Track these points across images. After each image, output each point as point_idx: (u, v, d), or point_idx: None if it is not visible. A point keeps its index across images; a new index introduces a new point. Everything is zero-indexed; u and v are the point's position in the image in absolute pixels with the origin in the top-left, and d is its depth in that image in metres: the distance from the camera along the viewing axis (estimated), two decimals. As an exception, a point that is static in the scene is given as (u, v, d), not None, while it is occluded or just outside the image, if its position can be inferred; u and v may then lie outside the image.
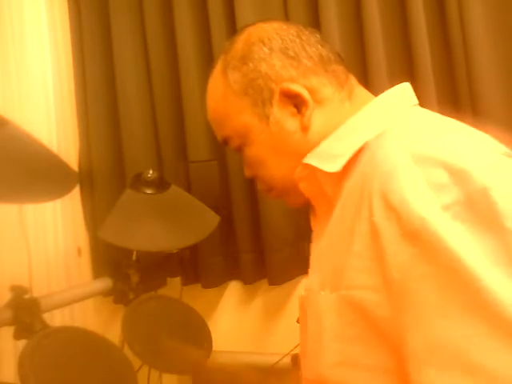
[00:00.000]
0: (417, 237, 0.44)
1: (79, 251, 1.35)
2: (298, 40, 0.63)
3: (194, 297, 1.24)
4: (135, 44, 1.31)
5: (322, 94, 0.62)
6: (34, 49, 1.34)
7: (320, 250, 0.62)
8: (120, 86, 1.30)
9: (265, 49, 0.62)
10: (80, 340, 0.93)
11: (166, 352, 0.99)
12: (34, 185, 0.96)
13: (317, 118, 0.61)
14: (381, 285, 0.47)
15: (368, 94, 0.65)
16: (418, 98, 0.63)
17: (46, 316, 0.95)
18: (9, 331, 0.91)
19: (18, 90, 1.33)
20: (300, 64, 0.62)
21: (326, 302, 0.54)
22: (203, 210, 1.14)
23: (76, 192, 1.32)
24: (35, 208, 1.29)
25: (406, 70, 1.06)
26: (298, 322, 0.96)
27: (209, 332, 1.10)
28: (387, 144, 0.53)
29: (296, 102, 0.62)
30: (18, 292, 0.94)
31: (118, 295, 1.15)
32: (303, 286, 1.20)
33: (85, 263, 1.35)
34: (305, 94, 0.61)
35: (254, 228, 1.20)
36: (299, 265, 1.18)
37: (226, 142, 0.69)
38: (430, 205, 0.44)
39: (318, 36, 0.65)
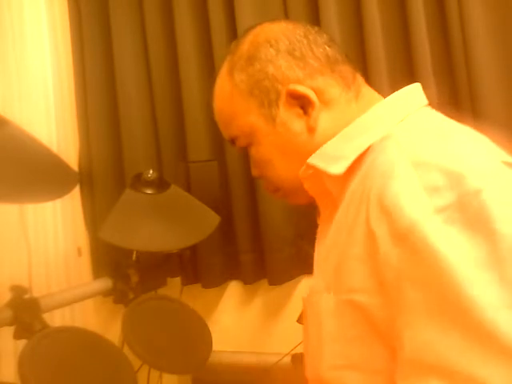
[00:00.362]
0: (406, 239, 0.44)
1: (79, 251, 1.35)
2: (305, 41, 0.62)
3: (194, 297, 1.24)
4: (135, 44, 1.31)
5: (329, 95, 0.62)
6: (34, 49, 1.34)
7: (324, 250, 0.62)
8: (120, 86, 1.30)
9: (271, 50, 0.62)
10: (80, 340, 0.93)
11: (166, 352, 0.99)
12: (34, 185, 0.96)
13: (323, 119, 0.61)
14: (378, 287, 0.48)
15: (375, 95, 0.65)
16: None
17: (46, 316, 0.95)
18: (9, 331, 0.91)
19: (18, 90, 1.33)
20: (307, 65, 0.61)
21: (327, 303, 0.54)
22: (203, 210, 1.14)
23: (76, 192, 1.32)
24: (35, 208, 1.29)
25: (406, 69, 1.06)
26: (298, 321, 0.96)
27: (209, 332, 1.10)
28: (389, 149, 0.53)
29: (302, 103, 0.61)
30: (18, 292, 0.94)
31: (118, 295, 1.15)
32: (304, 286, 1.21)
33: (85, 263, 1.35)
34: (311, 95, 0.61)
35: (254, 228, 1.20)
36: (299, 265, 1.18)
37: (233, 141, 0.69)
38: (422, 208, 0.44)
39: (325, 36, 0.65)
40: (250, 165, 0.72)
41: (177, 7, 1.24)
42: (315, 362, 0.56)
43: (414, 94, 0.63)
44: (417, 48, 1.03)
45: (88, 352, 0.91)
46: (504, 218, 0.42)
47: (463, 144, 0.51)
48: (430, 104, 0.63)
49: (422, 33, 1.02)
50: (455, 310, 0.41)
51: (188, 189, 1.23)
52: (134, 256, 1.16)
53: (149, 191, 1.09)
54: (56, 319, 1.17)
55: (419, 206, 0.45)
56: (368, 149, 0.57)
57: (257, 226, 1.20)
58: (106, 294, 1.18)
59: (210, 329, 1.11)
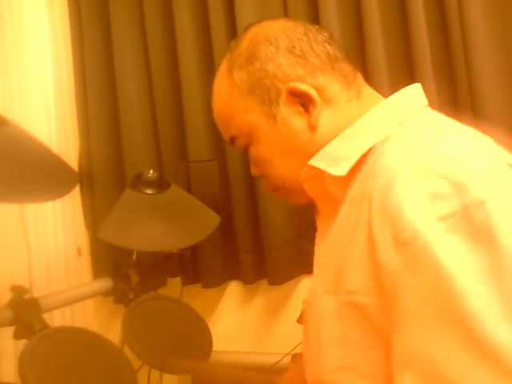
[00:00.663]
0: (407, 246, 0.44)
1: (79, 251, 1.35)
2: (305, 38, 0.62)
3: (194, 297, 1.24)
4: (135, 44, 1.31)
5: (330, 93, 0.61)
6: (33, 49, 1.34)
7: (323, 252, 0.61)
8: (120, 85, 1.30)
9: (271, 48, 0.62)
10: (80, 340, 0.93)
11: (166, 352, 0.99)
12: (34, 185, 0.96)
13: (324, 117, 0.61)
14: (376, 291, 0.47)
15: (375, 95, 0.65)
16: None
17: (46, 316, 0.95)
18: (9, 331, 0.91)
19: (18, 90, 1.33)
20: (307, 62, 0.61)
21: (327, 306, 0.54)
22: (203, 210, 1.14)
23: (76, 192, 1.32)
24: (35, 208, 1.29)
25: (406, 69, 1.06)
26: (298, 321, 0.96)
27: (209, 332, 1.10)
28: (389, 152, 0.53)
29: (303, 101, 0.61)
30: (18, 292, 0.94)
31: (118, 295, 1.15)
32: (304, 286, 1.20)
33: (85, 263, 1.35)
34: (312, 93, 0.60)
35: (254, 228, 1.20)
36: (299, 264, 1.18)
37: (232, 141, 0.68)
38: (425, 215, 0.44)
39: (325, 34, 0.64)
40: (250, 164, 0.71)
41: (177, 7, 1.24)
42: (315, 363, 0.56)
43: (414, 94, 0.62)
44: (417, 48, 1.03)
45: (88, 352, 0.91)
46: (507, 230, 0.41)
47: (466, 147, 0.50)
48: (431, 104, 0.62)
49: (422, 32, 1.02)
50: (453, 320, 0.41)
51: (188, 189, 1.23)
52: (134, 256, 1.16)
53: (149, 191, 1.09)
54: (56, 319, 1.17)
55: (422, 213, 0.44)
56: (370, 150, 0.56)
57: (257, 226, 1.20)
58: (106, 293, 1.18)
59: (210, 329, 1.11)
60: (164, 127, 1.30)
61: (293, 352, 1.06)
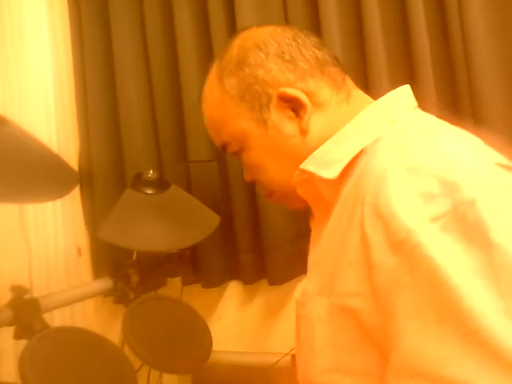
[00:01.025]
0: (401, 247, 0.44)
1: (79, 251, 1.35)
2: (293, 43, 0.62)
3: (194, 297, 1.24)
4: (135, 44, 1.31)
5: (320, 97, 0.61)
6: (33, 49, 1.34)
7: (317, 254, 0.62)
8: (120, 85, 1.30)
9: (261, 54, 0.62)
10: (80, 340, 0.93)
11: (166, 352, 0.99)
12: (34, 185, 0.96)
13: (315, 121, 0.61)
14: (370, 293, 0.47)
15: (365, 97, 0.65)
16: (418, 98, 0.63)
17: (46, 316, 0.95)
18: (9, 331, 0.91)
19: (18, 90, 1.33)
20: (297, 67, 0.61)
21: (320, 307, 0.54)
22: (203, 210, 1.14)
23: (76, 192, 1.32)
24: (35, 208, 1.29)
25: (406, 69, 1.06)
26: (298, 321, 0.96)
27: (209, 332, 1.10)
28: (380, 153, 0.53)
29: (294, 106, 0.61)
30: (18, 292, 0.94)
31: (118, 295, 1.15)
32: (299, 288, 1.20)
33: (85, 263, 1.35)
34: (303, 97, 0.60)
35: (254, 228, 1.20)
36: (299, 264, 1.17)
37: (224, 147, 0.68)
38: (418, 216, 0.44)
39: (314, 39, 0.65)
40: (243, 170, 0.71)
41: (177, 7, 1.24)
42: (307, 365, 0.56)
43: (403, 96, 0.63)
44: (417, 47, 1.03)
45: (88, 352, 0.91)
46: (498, 228, 0.41)
47: (456, 147, 0.51)
48: (429, 104, 0.63)
49: (422, 32, 1.02)
50: (451, 318, 0.41)
51: (188, 189, 1.23)
52: (134, 256, 1.16)
53: (149, 191, 1.09)
54: (56, 319, 1.17)
55: (415, 213, 0.44)
56: (361, 152, 0.57)
57: (257, 225, 1.19)
58: (106, 294, 1.18)
59: (210, 329, 1.11)
60: (164, 127, 1.29)
61: (293, 352, 1.06)
